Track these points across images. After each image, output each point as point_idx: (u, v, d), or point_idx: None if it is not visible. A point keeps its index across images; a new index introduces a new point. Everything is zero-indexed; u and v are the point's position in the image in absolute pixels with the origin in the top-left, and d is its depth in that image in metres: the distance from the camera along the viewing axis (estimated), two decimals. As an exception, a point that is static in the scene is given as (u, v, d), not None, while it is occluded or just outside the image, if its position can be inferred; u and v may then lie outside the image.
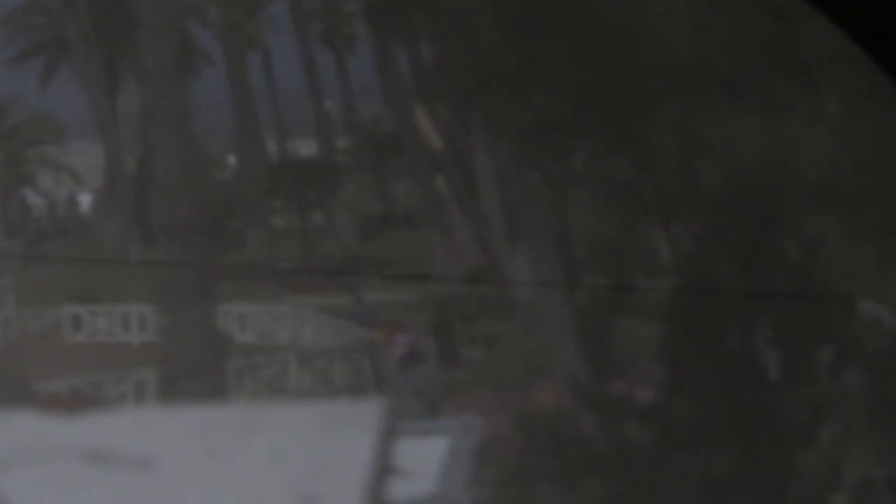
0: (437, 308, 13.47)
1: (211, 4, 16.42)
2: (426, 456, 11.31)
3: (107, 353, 12.74)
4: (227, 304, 13.46)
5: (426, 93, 15.81)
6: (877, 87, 9.77)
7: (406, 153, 16.02)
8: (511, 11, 13.28)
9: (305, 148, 17.26)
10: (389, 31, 16.07)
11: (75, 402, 11.66)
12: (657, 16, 12.57)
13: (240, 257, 14.34)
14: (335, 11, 17.46)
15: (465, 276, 14.20)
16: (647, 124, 12.86)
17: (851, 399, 11.92)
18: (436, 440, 11.45)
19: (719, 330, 12.34)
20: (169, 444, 11.57)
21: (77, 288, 13.13)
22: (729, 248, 12.63)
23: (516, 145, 14.12)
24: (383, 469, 11.29)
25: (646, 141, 12.93)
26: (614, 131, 13.09)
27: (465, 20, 13.74)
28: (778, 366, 12.31)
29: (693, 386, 12.01)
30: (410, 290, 13.64)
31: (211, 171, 15.75)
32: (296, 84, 16.89)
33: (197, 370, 12.59)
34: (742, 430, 11.67)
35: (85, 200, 14.99)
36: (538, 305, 13.23)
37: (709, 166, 12.83)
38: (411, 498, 11.19)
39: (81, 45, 15.50)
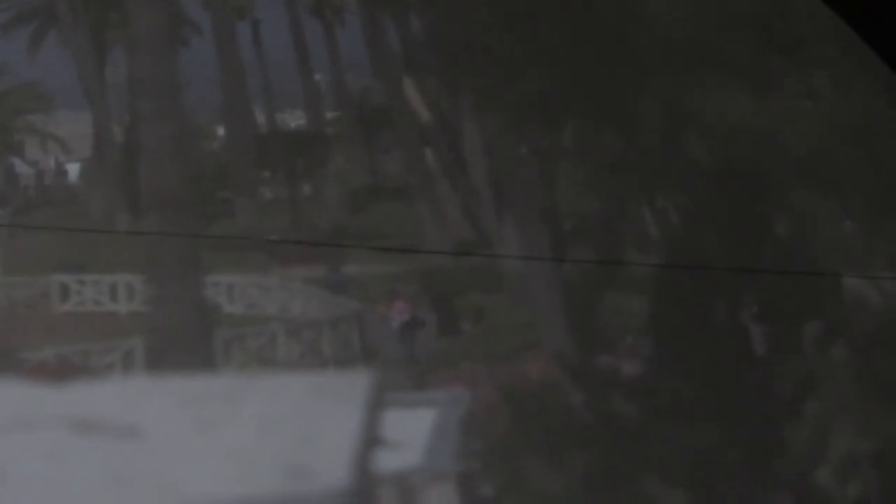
0: (425, 280, 13.51)
1: None
2: (414, 427, 11.36)
3: (95, 322, 12.75)
4: (215, 275, 13.47)
5: (416, 66, 15.82)
6: (865, 63, 9.81)
7: (395, 126, 16.03)
8: None
9: (294, 119, 17.27)
10: (379, 3, 16.06)
11: (63, 372, 11.69)
12: None
13: (228, 228, 14.35)
14: None
15: (453, 249, 14.23)
16: (636, 100, 12.90)
17: (837, 375, 11.99)
18: (423, 412, 11.50)
19: (706, 305, 12.39)
20: (157, 414, 11.59)
21: (65, 257, 13.12)
22: (716, 224, 12.67)
23: (505, 119, 14.14)
24: (371, 440, 11.33)
25: (635, 116, 12.97)
26: (603, 106, 13.12)
27: None
28: (764, 341, 12.37)
29: (680, 360, 12.07)
30: (399, 263, 13.66)
31: (200, 142, 15.75)
32: (285, 55, 16.89)
33: (185, 340, 12.61)
34: (728, 404, 11.74)
35: (73, 170, 14.99)
36: (526, 279, 13.27)
37: (697, 142, 12.87)
38: (399, 469, 11.25)
39: (70, 13, 15.49)
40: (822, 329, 12.35)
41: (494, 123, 14.50)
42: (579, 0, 12.89)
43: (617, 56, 12.80)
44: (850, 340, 12.15)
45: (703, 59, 12.65)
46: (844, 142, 12.16)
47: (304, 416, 11.71)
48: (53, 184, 14.87)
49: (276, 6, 16.73)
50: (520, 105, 13.71)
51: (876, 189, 12.07)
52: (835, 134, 12.21)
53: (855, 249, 12.50)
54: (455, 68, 14.81)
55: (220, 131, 16.44)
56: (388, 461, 11.27)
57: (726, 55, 12.60)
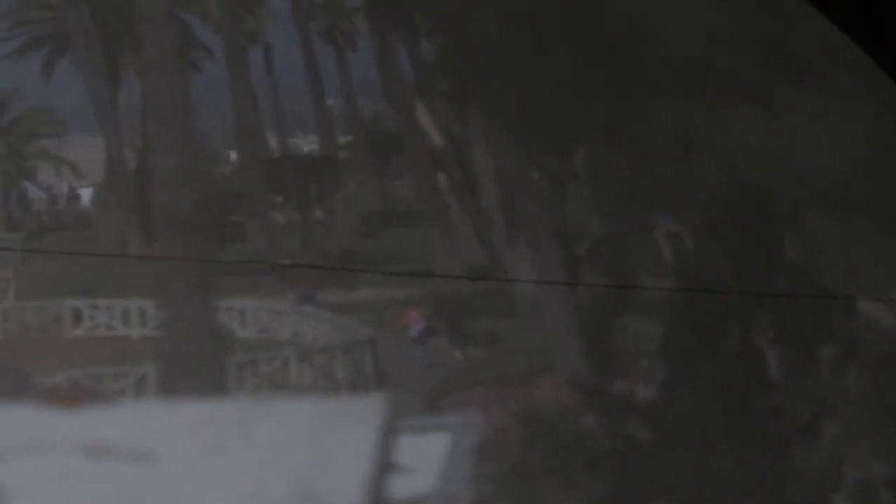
0: (437, 304, 13.52)
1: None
2: (427, 452, 11.34)
3: (107, 347, 12.75)
4: (227, 299, 13.46)
5: (427, 90, 15.82)
6: (875, 87, 9.78)
7: (406, 150, 16.04)
8: (511, 9, 13.29)
9: (306, 144, 17.26)
10: (390, 27, 16.09)
11: (75, 396, 11.70)
12: (658, 15, 12.59)
13: (240, 252, 14.34)
14: (336, 7, 17.47)
15: (466, 273, 14.22)
16: (647, 123, 12.89)
17: (851, 398, 11.95)
18: (437, 436, 11.49)
19: (719, 328, 12.36)
20: (168, 438, 11.66)
21: (77, 282, 13.12)
22: (728, 247, 12.66)
23: (516, 142, 14.13)
24: (384, 465, 11.35)
25: (646, 139, 12.95)
26: (614, 129, 13.11)
27: (466, 17, 13.75)
28: (778, 364, 12.33)
29: (694, 384, 12.03)
30: (411, 287, 13.65)
31: (212, 166, 15.75)
32: (297, 80, 16.89)
33: (197, 365, 12.60)
34: (742, 428, 11.70)
35: (85, 194, 14.98)
36: (539, 303, 13.25)
37: (708, 165, 12.85)
38: (412, 494, 11.25)
39: (82, 37, 15.51)
40: (836, 352, 12.32)
41: (506, 147, 14.50)
42: (589, 23, 12.88)
43: (627, 79, 12.80)
44: (864, 363, 12.12)
45: (714, 82, 12.64)
46: (855, 164, 12.15)
47: (317, 441, 11.79)
48: (66, 208, 14.86)
49: (287, 31, 16.75)
50: (531, 128, 13.71)
51: (886, 211, 12.06)
52: (845, 156, 12.20)
53: (867, 272, 12.47)
54: (466, 92, 14.82)
55: (233, 155, 16.44)
56: (401, 486, 11.30)
57: (736, 77, 12.60)
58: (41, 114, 15.14)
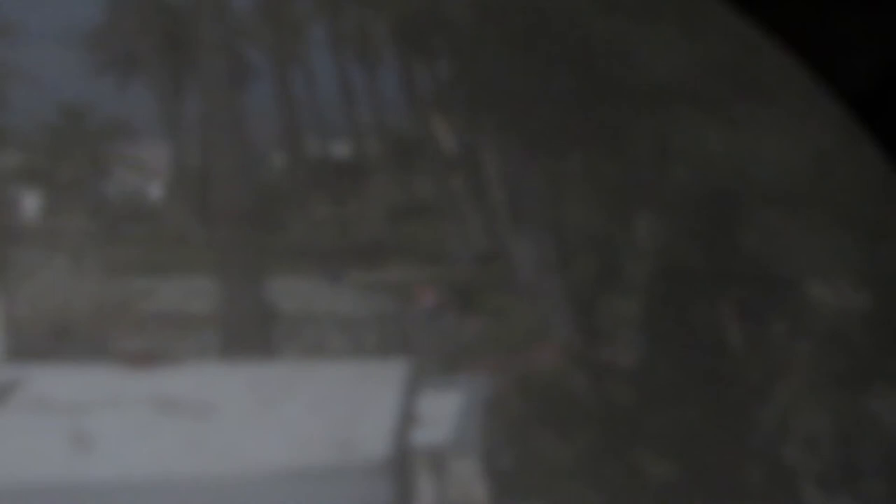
0: (451, 284, 13.59)
1: (261, 28, 16.52)
2: (443, 407, 11.37)
3: (175, 318, 12.77)
4: (275, 279, 13.51)
5: (443, 103, 15.91)
6: (821, 107, 9.87)
7: (426, 154, 16.16)
8: (517, 37, 13.38)
9: (340, 148, 17.35)
10: (412, 51, 16.17)
11: (149, 359, 11.76)
12: (638, 44, 12.67)
13: (286, 239, 14.42)
14: (365, 35, 17.60)
15: (475, 258, 14.31)
16: (630, 134, 12.96)
17: (800, 366, 12.01)
18: (451, 394, 11.51)
19: (689, 306, 12.43)
20: (227, 396, 11.65)
21: (150, 265, 13.10)
22: (697, 237, 12.71)
23: (520, 148, 14.20)
24: (407, 418, 11.41)
25: (629, 147, 13.03)
26: (603, 139, 13.19)
27: (477, 43, 13.84)
28: (737, 336, 12.39)
29: (667, 352, 12.12)
30: (429, 269, 13.75)
31: (260, 167, 15.83)
32: (332, 94, 16.99)
33: (250, 334, 12.68)
34: (708, 389, 11.78)
35: (155, 191, 15.06)
36: (538, 283, 13.32)
37: (681, 169, 12.91)
38: (431, 442, 11.28)
39: (153, 60, 15.61)
40: (787, 326, 12.38)
41: (511, 152, 14.58)
42: (581, 50, 12.97)
43: (614, 97, 12.88)
44: (810, 336, 12.18)
45: (685, 100, 12.71)
46: (804, 170, 12.22)
47: (351, 398, 11.76)
48: (139, 203, 14.92)
49: (325, 54, 16.84)
50: (532, 137, 13.79)
51: (830, 208, 12.11)
52: (795, 164, 12.26)
53: (814, 259, 12.54)
54: (477, 106, 14.90)
55: (278, 158, 16.52)
56: (421, 436, 11.30)
57: (705, 97, 12.67)
58: (117, 123, 15.25)
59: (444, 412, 11.62)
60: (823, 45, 5.09)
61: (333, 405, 11.50)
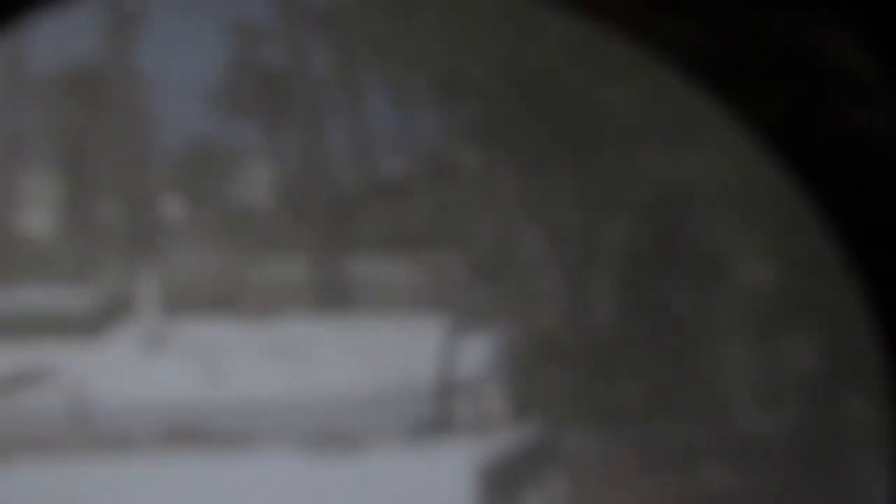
0: (475, 263, 13.91)
1: (337, 80, 16.96)
2: (476, 349, 11.88)
3: (280, 286, 13.13)
4: (344, 258, 13.76)
5: (467, 136, 16.34)
6: (749, 136, 10.46)
7: (456, 172, 16.66)
8: (523, 90, 13.90)
9: (390, 168, 17.74)
10: (441, 97, 16.63)
11: (263, 314, 12.23)
12: (604, 87, 13.15)
13: (356, 230, 14.82)
14: (401, 85, 18.11)
15: (494, 244, 14.70)
16: (599, 157, 13.46)
17: (734, 323, 12.38)
18: (481, 340, 12.00)
19: (649, 282, 12.84)
20: (317, 340, 12.20)
21: (261, 248, 13.31)
22: (654, 232, 13.15)
23: (524, 168, 14.62)
24: (449, 357, 11.98)
25: (602, 168, 13.53)
26: (583, 160, 13.68)
27: (494, 95, 14.36)
28: (686, 303, 12.78)
29: (634, 314, 12.56)
30: (456, 252, 13.93)
31: (335, 181, 16.28)
32: (386, 129, 17.41)
33: (333, 296, 13.06)
34: (675, 344, 12.15)
35: (264, 199, 15.27)
36: (539, 263, 13.69)
37: (642, 183, 13.37)
38: (467, 374, 11.71)
39: (258, 105, 16.05)
40: (723, 296, 12.73)
41: (515, 169, 15.04)
42: (566, 101, 13.47)
43: (583, 129, 13.37)
44: (741, 302, 12.54)
45: (646, 131, 13.20)
46: (734, 179, 12.67)
47: (407, 343, 12.25)
48: (252, 206, 15.02)
49: (380, 97, 17.21)
50: (530, 159, 14.27)
51: (760, 213, 12.52)
52: (727, 175, 12.72)
53: (744, 247, 12.95)
54: (491, 137, 15.32)
55: (349, 173, 16.92)
56: (460, 370, 11.77)
57: (660, 127, 13.15)
58: (234, 150, 15.44)
59: (475, 352, 12.12)
60: (740, 81, 4.57)
61: (395, 348, 11.96)
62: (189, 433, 10.04)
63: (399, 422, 10.91)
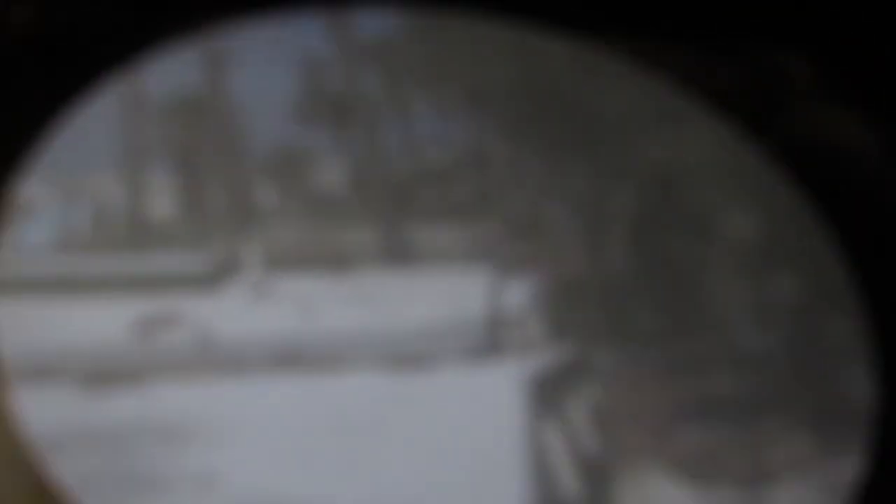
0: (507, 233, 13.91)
1: (388, 94, 16.95)
2: (516, 290, 11.93)
3: (354, 249, 13.14)
4: (408, 226, 13.75)
5: (496, 136, 16.32)
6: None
7: (486, 162, 16.64)
8: (538, 99, 13.87)
9: (435, 161, 17.69)
10: (476, 107, 16.65)
11: (341, 270, 12.20)
12: (606, 91, 13.11)
13: (412, 206, 14.79)
14: (443, 95, 18.16)
15: (526, 215, 14.66)
16: (607, 146, 13.38)
17: (722, 266, 12.28)
18: (519, 284, 12.04)
19: (652, 239, 12.76)
20: (386, 289, 12.19)
21: (339, 223, 13.34)
22: (655, 202, 13.07)
23: (539, 154, 14.59)
24: (496, 295, 11.95)
25: (608, 152, 13.45)
26: (591, 149, 13.62)
27: (516, 104, 14.33)
28: (682, 252, 12.66)
29: (648, 266, 12.45)
30: (497, 222, 13.92)
31: (390, 173, 16.28)
32: (430, 133, 17.41)
33: (396, 256, 13.05)
34: (675, 278, 12.03)
35: (339, 188, 15.19)
36: (564, 225, 13.68)
37: (644, 161, 13.30)
38: (511, 308, 11.69)
39: (328, 116, 16.15)
40: (711, 249, 12.64)
41: (540, 159, 15.03)
42: (568, 101, 13.43)
43: (590, 124, 13.27)
44: (728, 251, 12.44)
45: (643, 123, 13.13)
46: (724, 156, 12.60)
47: (461, 288, 12.26)
48: (333, 190, 15.01)
49: (427, 106, 17.21)
50: (548, 150, 14.21)
51: (742, 178, 12.43)
52: (718, 154, 12.65)
53: (738, 209, 12.80)
54: (517, 136, 15.26)
55: (404, 162, 16.86)
56: (504, 304, 11.79)
57: (657, 119, 13.09)
58: (311, 150, 15.57)
59: (516, 293, 12.16)
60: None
61: (450, 291, 12.01)
62: (290, 359, 10.14)
63: (457, 347, 10.96)
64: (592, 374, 10.93)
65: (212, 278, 11.81)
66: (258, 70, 15.08)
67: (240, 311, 11.27)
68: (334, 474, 9.05)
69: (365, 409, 9.64)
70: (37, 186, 12.65)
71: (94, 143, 13.63)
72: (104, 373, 9.78)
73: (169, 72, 13.43)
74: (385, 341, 11.06)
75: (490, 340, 10.98)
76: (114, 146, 13.51)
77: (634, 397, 10.29)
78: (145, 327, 9.85)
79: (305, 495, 8.57)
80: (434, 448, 9.50)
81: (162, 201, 12.87)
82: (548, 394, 10.04)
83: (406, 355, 10.81)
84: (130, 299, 10.84)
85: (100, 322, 10.39)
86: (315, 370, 10.63)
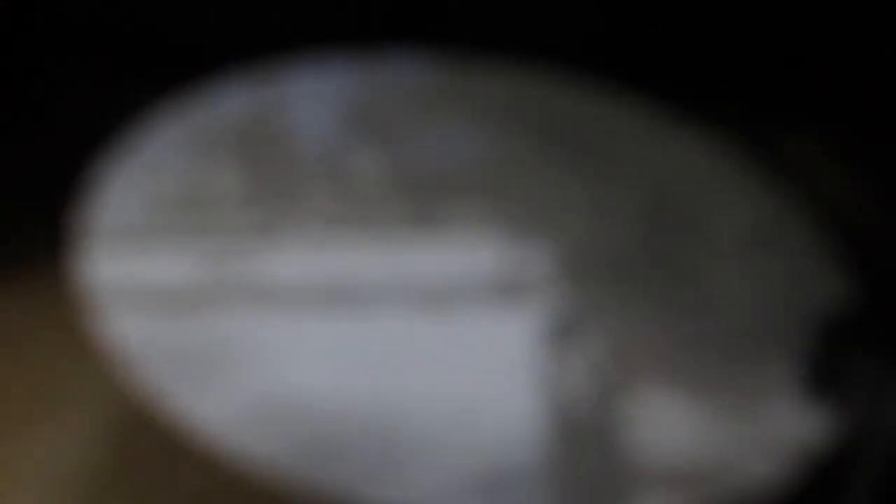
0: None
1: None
2: (530, 257, 13.12)
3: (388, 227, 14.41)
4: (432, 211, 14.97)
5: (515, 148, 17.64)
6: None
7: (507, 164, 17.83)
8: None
9: (464, 167, 18.90)
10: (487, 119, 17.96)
11: (375, 237, 13.41)
12: (608, 117, 14.43)
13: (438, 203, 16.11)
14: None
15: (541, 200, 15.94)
16: (612, 157, 14.75)
17: (726, 248, 13.53)
18: (536, 250, 13.16)
19: (655, 230, 14.10)
20: (414, 244, 13.36)
21: (383, 223, 14.66)
22: (653, 201, 14.54)
23: (553, 161, 16.00)
24: (511, 261, 13.15)
25: (614, 162, 14.94)
26: (597, 158, 15.15)
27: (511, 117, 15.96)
28: (685, 242, 13.99)
29: (649, 249, 13.78)
30: (508, 209, 15.10)
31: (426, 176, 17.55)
32: (461, 149, 18.67)
33: (422, 230, 14.21)
34: (677, 265, 13.12)
35: (373, 188, 16.53)
36: (573, 215, 15.01)
37: (645, 168, 14.70)
38: (528, 275, 12.81)
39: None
40: (714, 239, 13.95)
41: (553, 165, 16.43)
42: (574, 125, 14.96)
43: (593, 136, 14.66)
44: (731, 240, 13.67)
45: (643, 139, 14.63)
46: (717, 163, 14.06)
47: (482, 251, 13.38)
48: (369, 186, 16.46)
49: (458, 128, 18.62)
50: (560, 158, 15.74)
51: (731, 180, 13.77)
52: (712, 162, 14.12)
53: (729, 205, 14.10)
54: (535, 145, 16.73)
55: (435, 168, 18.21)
56: (521, 267, 12.93)
57: (655, 135, 14.64)
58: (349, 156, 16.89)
59: (531, 256, 13.28)
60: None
61: (474, 251, 13.16)
62: (332, 301, 11.58)
63: (478, 296, 12.23)
64: (595, 331, 12.04)
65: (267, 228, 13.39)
66: (308, 95, 16.82)
67: (296, 256, 12.79)
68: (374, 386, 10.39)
69: (397, 343, 10.96)
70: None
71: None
72: (176, 300, 11.15)
73: (229, 99, 15.13)
74: (414, 288, 12.39)
75: (508, 291, 12.18)
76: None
77: (632, 350, 11.37)
78: (213, 261, 11.44)
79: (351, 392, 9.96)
80: (458, 370, 10.83)
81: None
82: (558, 343, 11.22)
83: (431, 300, 12.08)
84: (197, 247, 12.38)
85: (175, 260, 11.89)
86: (352, 313, 11.99)
